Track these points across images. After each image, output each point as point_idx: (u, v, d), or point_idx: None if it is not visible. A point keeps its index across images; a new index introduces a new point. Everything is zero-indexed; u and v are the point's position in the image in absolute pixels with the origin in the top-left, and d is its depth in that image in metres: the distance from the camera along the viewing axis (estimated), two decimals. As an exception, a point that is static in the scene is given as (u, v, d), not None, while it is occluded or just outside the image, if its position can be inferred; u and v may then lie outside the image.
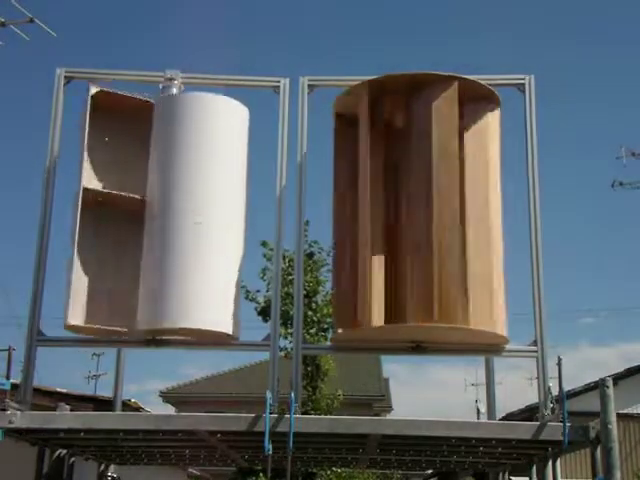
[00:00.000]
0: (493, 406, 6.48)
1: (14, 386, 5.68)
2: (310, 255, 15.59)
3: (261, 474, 14.79)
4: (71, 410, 5.72)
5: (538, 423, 5.34)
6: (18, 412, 5.30)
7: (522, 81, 5.96)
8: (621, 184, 19.69)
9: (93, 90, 5.77)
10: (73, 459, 6.77)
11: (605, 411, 5.07)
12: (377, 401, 29.63)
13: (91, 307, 5.60)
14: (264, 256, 14.39)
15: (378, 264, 5.52)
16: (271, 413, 5.24)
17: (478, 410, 21.99)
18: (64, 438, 6.08)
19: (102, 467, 7.81)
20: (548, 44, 55.11)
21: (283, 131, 5.91)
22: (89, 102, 5.73)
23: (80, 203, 5.52)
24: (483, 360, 6.56)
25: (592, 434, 5.20)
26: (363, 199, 5.51)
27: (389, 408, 30.36)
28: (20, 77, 48.37)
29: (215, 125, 5.78)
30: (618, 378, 15.52)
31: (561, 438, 5.19)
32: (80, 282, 5.56)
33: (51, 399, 8.23)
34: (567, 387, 15.77)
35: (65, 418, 5.45)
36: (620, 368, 17.09)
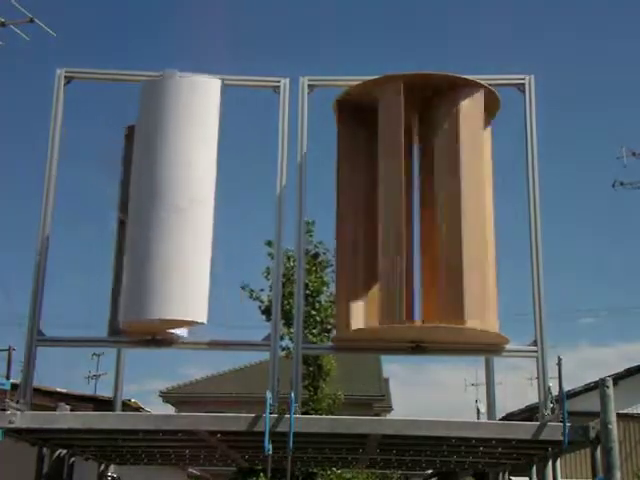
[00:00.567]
0: (493, 406, 6.48)
1: (14, 386, 5.68)
2: (315, 256, 15.61)
3: (261, 474, 14.80)
4: (71, 410, 5.73)
5: (538, 423, 5.34)
6: (18, 412, 5.30)
7: (522, 81, 5.96)
8: (622, 184, 19.70)
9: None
10: (73, 459, 6.77)
11: (605, 411, 5.07)
12: (377, 401, 29.63)
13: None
14: (269, 255, 14.41)
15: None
16: (271, 413, 5.24)
17: (478, 410, 21.97)
18: (64, 438, 6.08)
19: (102, 467, 7.81)
20: (548, 43, 55.14)
21: (283, 131, 5.91)
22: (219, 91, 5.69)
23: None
24: (483, 360, 6.56)
25: (592, 434, 5.20)
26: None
27: (389, 408, 30.35)
28: (20, 77, 48.39)
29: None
30: (618, 378, 15.51)
31: (561, 438, 5.19)
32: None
33: (51, 399, 8.23)
34: (567, 387, 15.75)
35: (65, 418, 5.45)
36: (620, 368, 17.09)
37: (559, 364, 5.64)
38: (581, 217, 57.58)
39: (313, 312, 14.94)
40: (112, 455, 7.50)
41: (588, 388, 15.95)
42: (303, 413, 6.54)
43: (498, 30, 53.01)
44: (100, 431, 5.61)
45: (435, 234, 5.49)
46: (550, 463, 6.24)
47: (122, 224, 5.93)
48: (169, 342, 5.72)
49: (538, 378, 5.50)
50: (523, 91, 5.93)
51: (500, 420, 8.29)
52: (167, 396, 30.47)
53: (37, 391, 7.39)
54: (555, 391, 5.48)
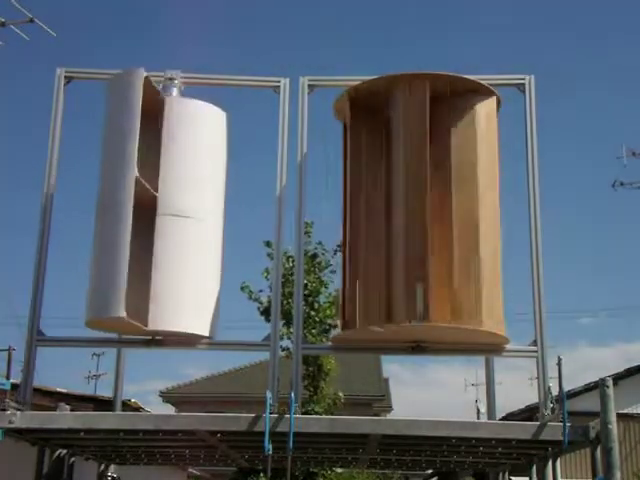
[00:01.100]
0: (493, 406, 6.48)
1: (14, 386, 5.68)
2: (314, 256, 15.60)
3: (261, 474, 14.79)
4: (71, 410, 5.73)
5: (538, 423, 5.34)
6: (18, 412, 5.30)
7: (522, 81, 5.96)
8: (622, 184, 19.68)
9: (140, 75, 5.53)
10: (73, 459, 6.77)
11: (605, 411, 5.07)
12: (377, 401, 29.63)
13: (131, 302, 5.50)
14: (268, 256, 14.40)
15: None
16: (271, 413, 5.24)
17: (478, 410, 21.96)
18: (64, 438, 6.08)
19: (102, 467, 7.81)
20: (548, 43, 55.15)
21: (283, 131, 5.91)
22: (141, 87, 5.51)
23: (132, 193, 5.31)
24: (483, 360, 6.56)
25: (592, 434, 5.21)
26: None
27: (389, 408, 30.36)
28: (20, 77, 48.39)
29: (194, 130, 5.82)
30: (618, 378, 15.50)
31: (561, 438, 5.19)
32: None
33: (51, 399, 8.23)
34: (567, 387, 15.76)
35: (65, 418, 5.45)
36: (619, 368, 17.09)
37: (559, 364, 5.64)
38: (581, 217, 57.61)
39: (312, 312, 14.93)
40: (112, 455, 7.51)
41: (588, 388, 15.94)
42: (303, 413, 6.55)
43: (498, 30, 53.01)
44: (100, 431, 5.61)
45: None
46: (550, 463, 6.24)
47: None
48: (169, 342, 5.72)
49: (538, 378, 5.50)
50: (523, 91, 5.93)
51: (500, 420, 8.28)
52: (167, 396, 30.47)
53: (37, 391, 7.38)
54: (555, 391, 5.48)
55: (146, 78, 5.63)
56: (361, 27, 54.77)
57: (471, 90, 5.67)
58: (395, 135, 5.62)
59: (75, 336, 5.69)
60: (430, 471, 13.16)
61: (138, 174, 5.39)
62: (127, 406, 10.12)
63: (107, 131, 5.66)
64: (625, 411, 16.64)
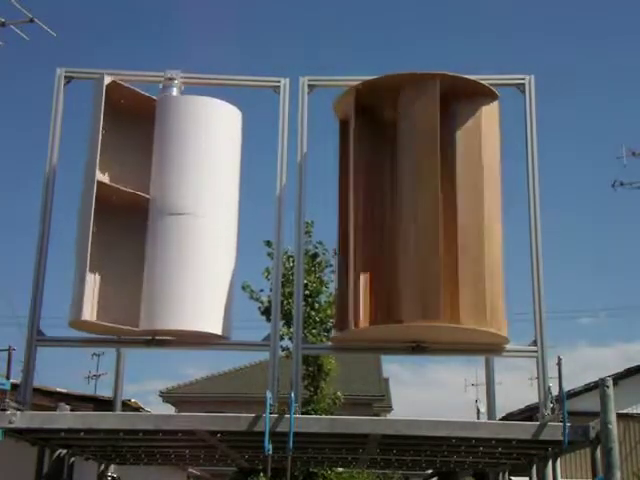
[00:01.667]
0: (493, 406, 6.48)
1: (14, 386, 5.67)
2: (314, 256, 15.59)
3: (261, 474, 14.79)
4: (71, 410, 5.72)
5: (538, 423, 5.34)
6: (18, 412, 5.30)
7: (522, 81, 5.96)
8: (622, 184, 19.67)
9: (107, 80, 5.72)
10: (73, 459, 6.77)
11: (605, 411, 5.07)
12: (377, 401, 29.62)
13: (102, 304, 5.59)
14: (268, 255, 14.39)
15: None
16: (271, 413, 5.24)
17: (478, 410, 21.95)
18: (64, 438, 6.08)
19: (102, 467, 7.81)
20: (548, 42, 55.12)
21: (283, 131, 5.91)
22: (104, 92, 5.65)
23: (94, 198, 5.46)
24: (483, 360, 6.56)
25: (592, 434, 5.20)
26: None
27: (389, 408, 30.35)
28: (20, 77, 48.38)
29: (209, 127, 5.82)
30: (618, 378, 15.49)
31: (561, 438, 5.19)
32: (91, 279, 5.55)
33: (51, 399, 8.22)
34: (567, 387, 15.75)
35: (65, 418, 5.45)
36: (619, 368, 17.09)
37: (559, 364, 5.62)
38: (581, 217, 57.59)
39: (312, 312, 14.92)
40: (112, 455, 7.50)
41: (588, 388, 15.93)
42: (303, 413, 6.55)
43: (499, 30, 52.99)
44: (100, 431, 5.61)
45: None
46: (550, 463, 6.24)
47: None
48: (169, 342, 5.73)
49: (538, 378, 5.50)
50: (523, 91, 5.93)
51: (500, 420, 8.28)
52: (167, 396, 30.47)
53: (37, 391, 7.38)
54: (555, 391, 5.48)
55: (115, 82, 5.74)
56: (361, 27, 54.76)
57: (477, 92, 5.68)
58: (404, 134, 5.59)
59: (75, 336, 5.68)
60: (430, 471, 13.14)
61: (108, 178, 5.62)
62: (127, 406, 10.11)
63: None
64: (625, 411, 16.63)
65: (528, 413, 15.54)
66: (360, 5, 53.02)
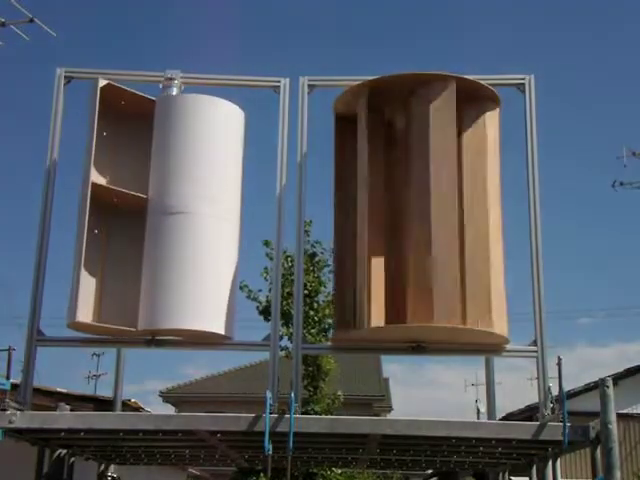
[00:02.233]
0: (493, 406, 6.48)
1: (14, 386, 5.67)
2: (312, 255, 15.60)
3: (261, 474, 14.80)
4: (71, 410, 5.72)
5: (538, 423, 5.33)
6: (18, 412, 5.29)
7: (522, 81, 5.96)
8: (622, 184, 19.67)
9: (102, 83, 5.75)
10: (73, 459, 6.76)
11: (605, 411, 5.06)
12: (377, 401, 29.65)
13: (98, 305, 5.62)
14: (267, 255, 14.40)
15: (378, 264, 5.52)
16: (271, 413, 5.24)
17: (478, 410, 21.96)
18: (64, 438, 6.07)
19: (102, 467, 7.81)
20: (548, 42, 55.10)
21: (283, 131, 5.91)
22: (98, 94, 5.68)
23: (89, 199, 5.49)
24: (483, 360, 6.56)
25: (592, 434, 5.20)
26: (362, 199, 5.51)
27: (389, 408, 30.38)
28: (20, 77, 48.37)
29: (210, 126, 5.81)
30: (618, 378, 15.51)
31: (561, 438, 5.18)
32: (87, 280, 5.57)
33: (51, 399, 8.21)
34: (567, 387, 15.75)
35: (65, 418, 5.45)
36: (618, 368, 17.09)
37: (559, 364, 5.62)
38: (581, 217, 57.58)
39: (311, 312, 14.93)
40: (112, 455, 7.50)
41: (588, 388, 15.94)
42: (303, 413, 6.54)
43: (499, 30, 52.97)
44: (100, 431, 5.61)
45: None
46: (550, 463, 6.24)
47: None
48: (169, 342, 5.73)
49: (538, 378, 5.49)
50: (523, 91, 5.93)
51: (500, 420, 8.28)
52: (167, 396, 30.49)
53: (37, 391, 7.37)
54: (555, 391, 5.48)
55: (111, 84, 5.76)
56: (361, 27, 54.73)
57: (484, 96, 5.68)
58: (416, 136, 5.54)
59: (75, 336, 5.68)
60: (430, 471, 13.15)
61: (104, 180, 5.66)
62: (127, 406, 10.11)
63: None
64: (625, 411, 16.64)
65: (528, 413, 15.56)
66: (360, 5, 53.01)
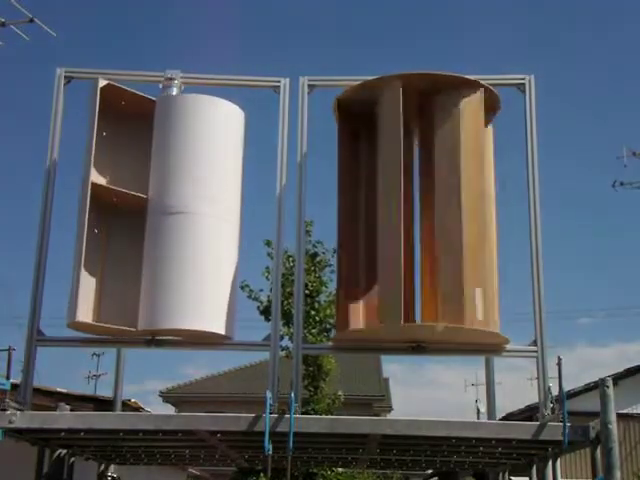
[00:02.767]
0: (493, 406, 6.48)
1: (14, 386, 5.67)
2: (314, 255, 15.59)
3: (261, 474, 14.79)
4: (71, 410, 5.72)
5: (538, 423, 5.33)
6: (18, 412, 5.29)
7: (522, 81, 5.95)
8: (622, 184, 19.66)
9: (102, 83, 5.75)
10: (73, 459, 6.76)
11: (605, 411, 5.06)
12: (377, 401, 29.64)
13: (98, 305, 5.62)
14: (268, 255, 14.39)
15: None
16: (271, 413, 5.24)
17: (478, 410, 21.96)
18: (64, 438, 6.07)
19: (102, 467, 7.81)
20: (548, 42, 55.10)
21: (283, 131, 5.91)
22: (98, 95, 5.69)
23: (88, 199, 5.50)
24: (483, 360, 6.56)
25: (592, 434, 5.20)
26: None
27: (389, 408, 30.37)
28: (20, 77, 48.38)
29: (211, 126, 5.81)
30: (618, 378, 15.50)
31: (561, 438, 5.18)
32: (87, 280, 5.57)
33: (51, 399, 8.21)
34: (567, 387, 15.75)
35: (65, 418, 5.45)
36: (618, 368, 17.09)
37: (559, 364, 5.62)
38: (581, 217, 57.59)
39: (312, 312, 14.93)
40: (112, 455, 7.50)
41: (588, 388, 15.94)
42: (303, 413, 6.54)
43: (499, 30, 52.99)
44: (100, 431, 5.61)
45: (435, 234, 5.48)
46: (550, 463, 6.24)
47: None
48: (169, 342, 5.73)
49: (538, 378, 5.49)
50: (523, 91, 5.93)
51: (500, 420, 8.28)
52: (167, 396, 30.49)
53: (37, 391, 7.37)
54: (555, 391, 5.48)
55: (111, 84, 5.76)
56: (361, 27, 54.75)
57: (454, 86, 5.61)
58: (378, 137, 5.64)
59: (75, 336, 5.68)
60: (430, 471, 13.15)
61: (104, 180, 5.68)
62: (127, 406, 10.11)
63: None
64: (625, 411, 16.64)
65: (528, 413, 15.55)
66: (360, 5, 53.03)
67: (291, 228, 5.86)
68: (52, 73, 6.01)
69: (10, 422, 5.26)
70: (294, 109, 5.95)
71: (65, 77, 6.01)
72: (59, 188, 5.84)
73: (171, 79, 5.96)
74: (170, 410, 28.64)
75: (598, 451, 5.17)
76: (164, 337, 5.67)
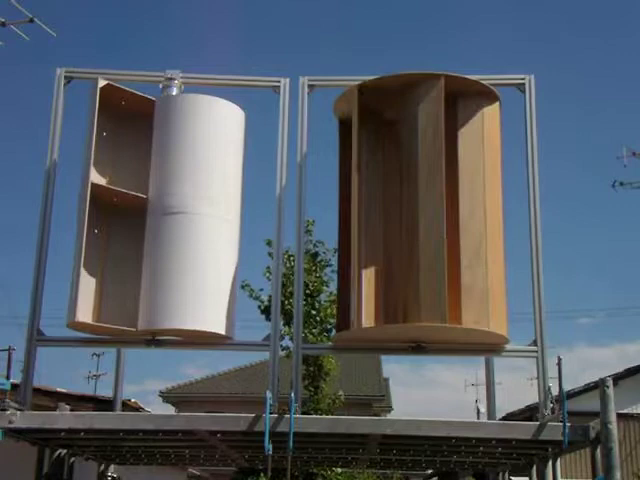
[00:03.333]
0: (493, 406, 6.48)
1: (14, 386, 5.67)
2: (315, 255, 15.60)
3: (261, 474, 14.80)
4: (71, 410, 5.72)
5: (538, 423, 5.33)
6: (18, 412, 5.29)
7: (522, 81, 5.95)
8: (622, 184, 19.64)
9: (101, 83, 5.76)
10: (73, 459, 6.77)
11: (605, 411, 5.06)
12: (377, 401, 29.63)
13: (98, 305, 5.62)
14: (269, 255, 14.39)
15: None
16: (271, 413, 5.24)
17: (478, 410, 21.97)
18: (64, 438, 6.07)
19: (102, 467, 7.81)
20: (548, 42, 55.10)
21: (283, 131, 5.91)
22: (97, 95, 5.69)
23: (88, 199, 5.50)
24: (483, 360, 6.56)
25: (592, 434, 5.20)
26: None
27: (389, 408, 30.36)
28: (20, 77, 48.39)
29: (211, 126, 5.81)
30: (618, 378, 15.50)
31: (561, 438, 5.18)
32: (87, 280, 5.56)
33: (51, 399, 8.22)
34: (567, 387, 15.76)
35: (65, 418, 5.45)
36: (618, 368, 17.10)
37: (559, 364, 5.63)
38: (580, 217, 57.59)
39: (313, 312, 14.93)
40: (112, 455, 7.50)
41: (588, 388, 15.95)
42: (303, 413, 6.54)
43: (499, 30, 52.99)
44: (100, 431, 5.61)
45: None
46: (550, 463, 6.24)
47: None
48: (169, 342, 5.73)
49: (538, 378, 5.49)
50: (523, 91, 5.93)
51: (500, 420, 8.28)
52: (167, 396, 30.48)
53: (37, 391, 7.38)
54: (555, 391, 5.47)
55: (111, 85, 5.76)
56: (361, 27, 54.75)
57: (479, 93, 5.67)
58: (408, 134, 5.57)
59: (75, 336, 5.68)
60: (430, 471, 13.16)
61: (104, 180, 5.68)
62: (127, 406, 10.11)
63: None
64: (625, 411, 16.64)
65: (528, 413, 15.57)
66: (360, 6, 53.03)
67: (291, 228, 5.87)
68: (52, 73, 6.02)
69: (10, 422, 5.26)
70: (294, 109, 5.95)
71: (65, 77, 6.01)
72: (59, 188, 5.85)
73: (171, 79, 5.96)
74: (170, 410, 28.64)
75: (598, 451, 5.17)
76: (164, 337, 5.67)
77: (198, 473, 18.79)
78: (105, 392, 12.87)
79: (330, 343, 6.48)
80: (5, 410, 5.26)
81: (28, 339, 5.59)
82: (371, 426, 5.51)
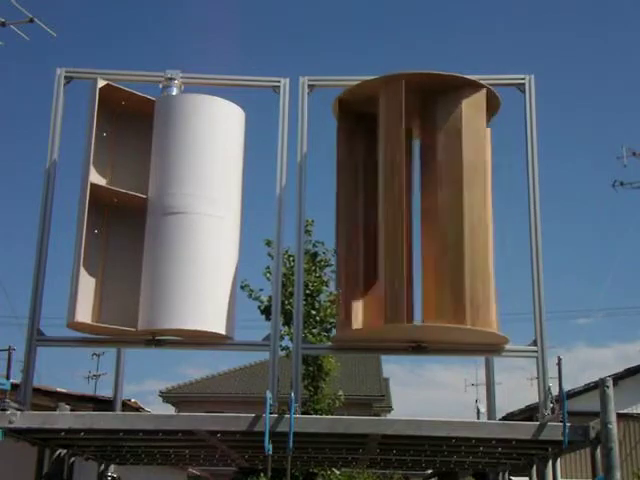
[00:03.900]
0: (493, 406, 6.48)
1: (14, 386, 5.67)
2: (314, 255, 15.59)
3: (261, 474, 14.80)
4: (71, 410, 5.72)
5: (538, 423, 5.33)
6: (18, 412, 5.29)
7: (522, 81, 5.95)
8: (622, 184, 19.64)
9: (101, 83, 5.76)
10: (73, 459, 6.77)
11: (605, 411, 5.06)
12: (377, 401, 29.66)
13: (98, 305, 5.62)
14: (269, 255, 14.38)
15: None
16: (271, 413, 5.24)
17: (478, 410, 21.96)
18: (64, 438, 6.07)
19: (102, 467, 7.81)
20: (548, 42, 55.12)
21: (283, 131, 5.91)
22: (97, 95, 5.70)
23: (87, 200, 5.51)
24: (483, 360, 6.56)
25: (592, 434, 5.20)
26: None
27: (389, 408, 30.38)
28: (20, 77, 48.38)
29: (211, 126, 5.81)
30: (618, 378, 15.51)
31: (561, 438, 5.18)
32: (87, 280, 5.57)
33: (51, 399, 8.22)
34: (567, 387, 15.75)
35: (65, 418, 5.45)
36: (618, 368, 17.10)
37: (559, 364, 5.62)
38: (580, 217, 57.60)
39: (313, 312, 14.92)
40: (112, 455, 7.50)
41: (588, 388, 15.95)
42: (303, 413, 6.54)
43: (499, 29, 53.00)
44: (100, 431, 5.61)
45: (436, 234, 5.48)
46: (550, 463, 6.24)
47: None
48: (169, 342, 5.73)
49: (538, 378, 5.49)
50: (523, 91, 5.93)
51: (500, 420, 8.28)
52: (167, 396, 30.50)
53: (37, 391, 7.37)
54: (555, 391, 5.47)
55: (109, 85, 5.77)
56: (361, 27, 54.76)
57: (456, 86, 5.62)
58: (379, 137, 5.64)
59: (75, 336, 5.68)
60: (430, 471, 13.15)
61: (104, 180, 5.69)
62: (127, 406, 10.11)
63: None
64: (625, 411, 16.64)
65: (528, 413, 15.58)
66: (360, 5, 53.04)
67: (291, 228, 5.87)
68: (52, 73, 6.02)
69: (10, 422, 5.26)
70: (294, 109, 5.95)
71: (65, 77, 6.01)
72: (59, 188, 5.85)
73: (171, 79, 5.96)
74: (170, 410, 28.66)
75: (598, 451, 5.17)
76: (164, 337, 5.67)
77: (198, 473, 18.79)
78: (105, 392, 12.88)
79: (330, 343, 6.48)
80: (5, 410, 5.26)
81: (28, 339, 5.59)
82: (371, 426, 5.51)
